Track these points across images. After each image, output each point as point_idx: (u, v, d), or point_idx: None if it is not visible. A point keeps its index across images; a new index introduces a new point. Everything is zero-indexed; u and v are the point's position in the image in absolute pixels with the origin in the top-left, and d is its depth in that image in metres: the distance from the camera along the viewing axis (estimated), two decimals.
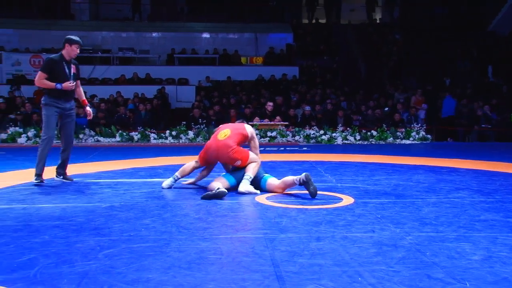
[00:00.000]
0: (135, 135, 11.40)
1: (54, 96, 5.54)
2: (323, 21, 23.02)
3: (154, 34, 20.45)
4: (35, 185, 5.41)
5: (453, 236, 3.27)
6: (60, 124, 5.68)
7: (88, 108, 5.92)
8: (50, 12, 20.78)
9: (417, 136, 11.53)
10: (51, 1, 21.07)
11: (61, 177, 5.72)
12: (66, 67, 5.58)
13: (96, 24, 20.75)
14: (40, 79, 5.50)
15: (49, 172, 6.24)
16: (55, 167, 5.78)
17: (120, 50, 18.72)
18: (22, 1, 20.44)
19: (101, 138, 11.34)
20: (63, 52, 5.62)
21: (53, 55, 5.74)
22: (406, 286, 2.41)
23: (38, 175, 5.51)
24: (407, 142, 11.38)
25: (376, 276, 2.52)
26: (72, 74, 5.63)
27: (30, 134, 11.02)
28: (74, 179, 5.78)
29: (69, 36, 5.71)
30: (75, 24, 20.49)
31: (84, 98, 6.01)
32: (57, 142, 6.45)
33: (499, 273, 2.58)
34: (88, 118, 6.00)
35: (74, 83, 5.62)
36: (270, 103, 12.82)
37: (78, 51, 5.67)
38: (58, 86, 5.46)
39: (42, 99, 5.64)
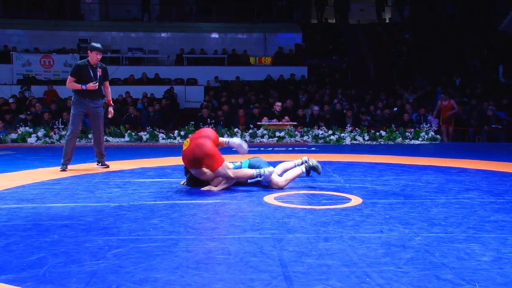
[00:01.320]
0: (144, 135, 11.44)
1: (80, 96, 6.51)
2: (332, 21, 22.98)
3: (163, 34, 20.53)
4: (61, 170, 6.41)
5: (463, 237, 3.24)
6: (89, 121, 6.81)
7: (110, 109, 6.92)
8: (60, 13, 20.91)
9: (426, 136, 11.47)
10: (61, 2, 21.22)
11: (99, 164, 6.79)
12: (91, 71, 6.50)
13: (105, 24, 20.87)
14: (70, 82, 6.50)
15: (56, 172, 6.29)
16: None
17: (129, 50, 18.81)
18: (32, 2, 20.59)
19: (110, 138, 11.39)
20: (89, 58, 6.54)
21: (80, 61, 6.71)
22: (415, 287, 2.39)
23: (62, 164, 6.46)
24: (416, 142, 11.32)
25: (384, 277, 2.51)
26: (98, 77, 6.54)
27: (40, 134, 11.10)
28: (108, 167, 6.75)
29: (90, 44, 6.74)
30: (85, 24, 20.63)
31: (110, 98, 6.96)
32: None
33: (509, 274, 2.56)
34: (109, 116, 6.97)
35: (97, 83, 6.48)
36: (279, 103, 12.81)
37: (99, 56, 6.51)
38: (83, 86, 6.43)
39: (72, 98, 6.70)
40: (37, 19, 20.12)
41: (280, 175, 5.32)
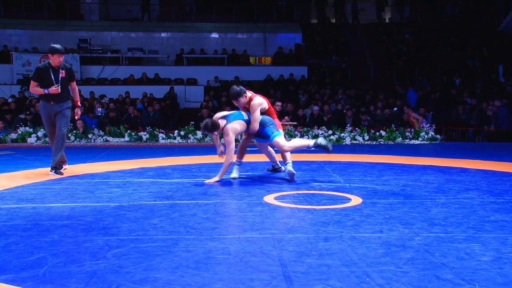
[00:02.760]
0: (144, 135, 11.44)
1: (45, 100, 6.21)
2: (332, 20, 22.95)
3: (163, 34, 20.52)
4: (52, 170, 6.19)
5: (462, 236, 3.25)
6: (56, 121, 6.28)
7: (77, 110, 6.56)
8: (60, 13, 20.90)
9: (426, 136, 11.47)
10: (61, 2, 21.21)
11: (53, 171, 6.17)
12: (52, 74, 6.17)
13: (105, 24, 20.85)
14: (32, 87, 6.26)
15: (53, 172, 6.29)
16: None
17: (129, 50, 18.80)
18: (32, 2, 20.57)
19: (110, 138, 11.40)
20: (50, 60, 6.19)
21: (41, 64, 6.36)
22: (415, 287, 2.39)
23: (52, 167, 6.22)
24: (416, 142, 11.32)
25: (384, 277, 2.51)
26: (60, 78, 6.20)
27: (40, 134, 11.10)
28: (63, 174, 6.16)
29: (51, 46, 6.21)
30: (85, 24, 20.61)
31: (78, 99, 6.65)
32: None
33: (508, 274, 2.56)
34: (76, 117, 6.75)
35: (59, 86, 6.14)
36: (279, 103, 12.78)
37: (61, 59, 6.17)
38: (46, 91, 6.12)
39: (39, 103, 6.46)
40: (37, 19, 20.10)
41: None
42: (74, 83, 6.53)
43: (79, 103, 6.63)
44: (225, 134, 5.55)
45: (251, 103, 5.69)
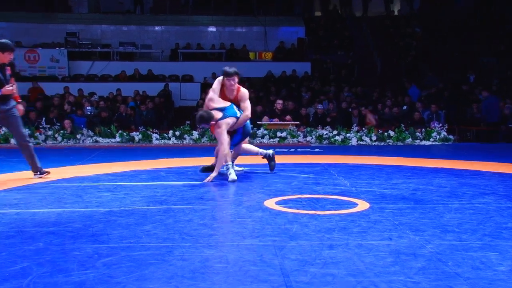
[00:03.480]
0: (136, 136, 11.43)
1: None
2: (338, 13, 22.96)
3: (157, 28, 20.54)
4: None
5: (478, 244, 3.24)
6: (6, 126, 6.17)
7: (20, 106, 6.16)
8: (47, 5, 20.90)
9: (438, 136, 11.46)
10: None
11: (38, 174, 6.09)
12: (0, 72, 5.83)
13: (95, 17, 20.88)
14: None
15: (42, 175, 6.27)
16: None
17: (121, 45, 18.82)
18: None
19: (100, 139, 11.38)
20: None
21: None
22: None
23: (34, 170, 6.09)
24: (427, 143, 11.32)
25: None
26: (8, 76, 5.89)
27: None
28: (49, 173, 6.15)
29: (2, 42, 5.86)
30: (73, 17, 20.63)
31: (18, 94, 6.22)
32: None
33: None
34: (20, 114, 6.20)
35: (13, 86, 5.90)
36: (280, 101, 12.79)
37: (12, 57, 5.92)
38: None
39: None
40: (21, 11, 20.08)
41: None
42: (13, 78, 6.16)
43: (19, 99, 6.26)
44: (217, 126, 5.94)
45: (242, 92, 6.18)
